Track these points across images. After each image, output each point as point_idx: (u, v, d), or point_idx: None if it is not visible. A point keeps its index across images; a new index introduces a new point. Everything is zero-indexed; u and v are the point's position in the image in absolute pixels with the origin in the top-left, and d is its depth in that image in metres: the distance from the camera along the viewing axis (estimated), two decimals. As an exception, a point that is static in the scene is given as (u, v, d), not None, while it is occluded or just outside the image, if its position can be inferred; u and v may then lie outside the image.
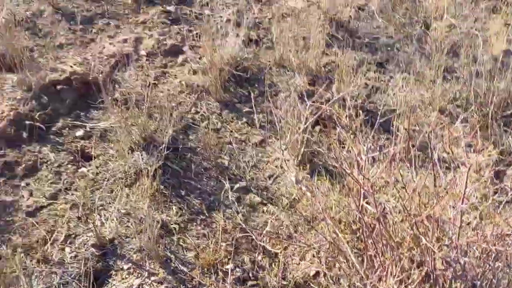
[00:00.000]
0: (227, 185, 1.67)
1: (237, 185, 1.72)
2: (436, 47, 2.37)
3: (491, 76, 2.22)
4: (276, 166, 1.80)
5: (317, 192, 1.51)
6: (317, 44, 2.33)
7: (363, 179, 1.20)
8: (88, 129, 1.88)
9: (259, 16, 2.63)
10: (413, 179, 1.30)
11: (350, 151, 1.33)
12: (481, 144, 1.35)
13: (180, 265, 1.48)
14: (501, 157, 1.89)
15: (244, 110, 2.06)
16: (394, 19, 2.66)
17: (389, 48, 2.49)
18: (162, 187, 1.66)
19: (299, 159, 1.75)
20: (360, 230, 1.26)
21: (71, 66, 2.08)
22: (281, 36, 2.39)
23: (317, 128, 1.95)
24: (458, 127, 2.00)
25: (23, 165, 1.69)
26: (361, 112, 1.46)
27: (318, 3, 2.68)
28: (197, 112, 2.03)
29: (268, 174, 1.81)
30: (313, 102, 1.79)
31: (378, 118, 1.60)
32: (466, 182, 1.05)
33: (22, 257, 1.42)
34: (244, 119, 2.03)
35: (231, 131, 1.97)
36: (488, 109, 2.05)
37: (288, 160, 1.74)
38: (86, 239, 1.52)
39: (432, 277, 1.12)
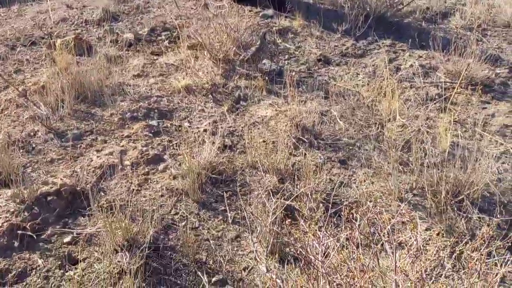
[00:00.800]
0: (204, 279, 1.78)
1: (214, 278, 1.84)
2: (391, 144, 2.66)
3: (441, 166, 2.47)
4: (250, 259, 1.94)
5: (287, 280, 1.64)
6: (285, 147, 2.60)
7: (321, 263, 1.35)
8: (75, 234, 2.02)
9: (233, 125, 2.93)
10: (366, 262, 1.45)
11: (311, 240, 1.50)
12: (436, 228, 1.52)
13: None
14: (456, 240, 2.06)
15: (220, 209, 2.25)
16: (353, 122, 2.98)
17: (350, 147, 2.77)
18: (143, 284, 1.77)
19: (269, 250, 1.89)
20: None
21: (61, 179, 2.28)
22: (253, 142, 2.66)
23: (287, 221, 2.12)
24: (416, 215, 2.22)
25: (13, 272, 1.80)
26: (325, 204, 1.66)
27: (285, 111, 3.02)
28: (176, 213, 2.21)
29: (243, 266, 1.94)
30: (280, 198, 1.99)
31: (341, 209, 1.79)
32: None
33: None
34: (220, 217, 2.20)
35: (208, 229, 2.13)
36: (441, 196, 2.26)
37: (259, 252, 1.88)
38: None
39: None
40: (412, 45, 3.93)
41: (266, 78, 3.40)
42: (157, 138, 2.73)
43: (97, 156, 2.52)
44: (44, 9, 4.50)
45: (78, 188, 2.22)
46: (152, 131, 2.79)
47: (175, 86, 3.24)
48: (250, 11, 4.55)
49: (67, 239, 2.00)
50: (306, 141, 2.77)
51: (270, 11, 4.47)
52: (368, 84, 3.41)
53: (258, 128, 2.90)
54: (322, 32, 4.20)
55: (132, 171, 2.45)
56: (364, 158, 2.63)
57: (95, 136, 2.69)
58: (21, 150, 2.50)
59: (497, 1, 4.96)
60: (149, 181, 2.41)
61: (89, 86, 3.03)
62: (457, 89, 3.20)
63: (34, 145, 2.57)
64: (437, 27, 4.45)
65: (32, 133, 2.66)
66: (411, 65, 3.65)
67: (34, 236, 1.97)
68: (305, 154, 2.60)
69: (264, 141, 2.74)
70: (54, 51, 3.40)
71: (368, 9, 4.36)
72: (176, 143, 2.68)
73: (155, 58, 3.67)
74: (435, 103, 3.16)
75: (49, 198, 2.17)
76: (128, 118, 2.86)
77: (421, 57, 3.82)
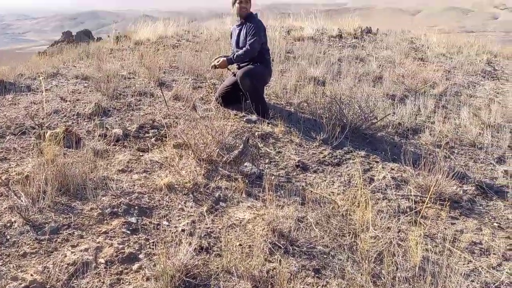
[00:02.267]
0: None
1: None
2: (365, 255, 2.73)
3: (413, 281, 2.53)
4: None
5: None
6: (261, 252, 2.64)
7: None
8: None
9: (211, 226, 2.97)
10: None
11: None
12: None
13: None
14: None
15: (191, 316, 2.21)
16: (328, 230, 3.06)
17: (325, 256, 2.81)
18: None
19: None
20: None
21: (31, 275, 2.24)
22: (229, 245, 2.70)
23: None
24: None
25: None
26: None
27: (263, 215, 3.09)
28: (146, 318, 2.16)
29: None
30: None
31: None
32: None
33: None
34: (191, 325, 2.16)
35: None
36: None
37: None
38: None
39: None
40: (385, 157, 4.18)
41: (247, 180, 3.53)
42: (134, 236, 2.74)
43: (72, 252, 2.51)
44: (38, 99, 4.70)
45: (47, 286, 2.18)
46: (130, 228, 2.81)
47: (158, 183, 3.32)
48: (235, 115, 4.83)
49: None
50: (282, 247, 2.82)
51: (254, 117, 4.75)
52: (343, 192, 3.56)
53: (236, 231, 2.95)
54: (301, 139, 4.46)
55: (105, 270, 2.42)
56: (338, 268, 2.67)
57: (72, 231, 2.69)
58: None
59: (463, 121, 5.39)
60: (121, 281, 2.37)
61: (72, 179, 3.09)
62: (427, 203, 3.36)
63: (8, 237, 2.55)
64: (408, 142, 4.77)
65: (8, 224, 2.65)
66: (384, 177, 3.84)
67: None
68: (280, 260, 2.63)
69: (240, 245, 2.78)
70: (42, 141, 3.50)
71: (344, 121, 4.68)
72: (153, 242, 2.69)
73: (141, 154, 3.80)
74: (406, 216, 3.29)
75: (16, 295, 2.12)
76: (108, 214, 2.89)
77: (393, 169, 4.04)
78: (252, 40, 4.71)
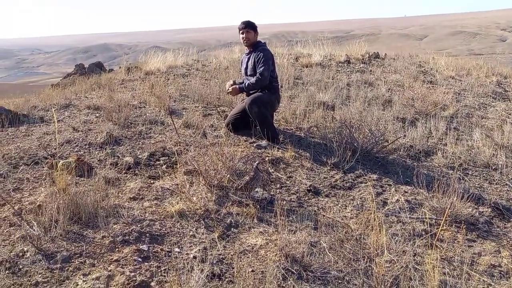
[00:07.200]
0: None
1: None
2: (380, 280, 2.66)
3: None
4: None
5: None
6: (274, 278, 2.59)
7: None
8: None
9: (223, 253, 2.94)
10: None
11: None
12: None
13: None
14: None
15: None
16: (342, 255, 3.01)
17: (339, 281, 2.75)
18: None
19: None
20: None
21: (43, 304, 2.22)
22: (242, 271, 2.65)
23: None
24: None
25: None
26: None
27: (275, 240, 3.06)
28: None
29: None
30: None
31: None
32: None
33: None
34: None
35: None
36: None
37: None
38: None
39: None
40: (398, 180, 4.13)
41: (258, 206, 3.51)
42: (146, 263, 2.72)
43: (83, 281, 2.49)
44: (51, 130, 4.78)
45: (59, 315, 2.16)
46: (142, 255, 2.79)
47: (169, 210, 3.31)
48: (245, 141, 4.84)
49: None
50: (295, 272, 2.77)
51: (264, 142, 4.76)
52: (356, 216, 3.51)
53: (248, 257, 2.91)
54: (312, 163, 4.44)
55: (117, 298, 2.40)
56: (353, 293, 2.61)
57: (84, 259, 2.68)
58: (7, 271, 2.47)
59: (476, 142, 5.34)
60: (133, 309, 2.34)
61: (84, 207, 3.10)
62: (443, 226, 3.29)
63: (21, 266, 2.55)
64: (421, 165, 4.72)
65: (21, 254, 2.65)
66: (397, 200, 3.79)
67: None
68: (293, 286, 2.58)
69: (253, 271, 2.73)
70: (55, 171, 3.53)
71: (355, 145, 4.67)
72: (165, 269, 2.66)
73: (152, 182, 3.81)
74: (421, 239, 3.22)
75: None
76: (119, 242, 2.88)
77: (406, 192, 3.99)
78: (261, 69, 4.79)
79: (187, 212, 3.33)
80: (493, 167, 4.79)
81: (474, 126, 6.11)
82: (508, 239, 3.39)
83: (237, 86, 5.02)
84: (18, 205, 3.17)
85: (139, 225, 3.08)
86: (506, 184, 4.40)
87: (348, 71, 9.17)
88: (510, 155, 5.07)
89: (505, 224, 3.64)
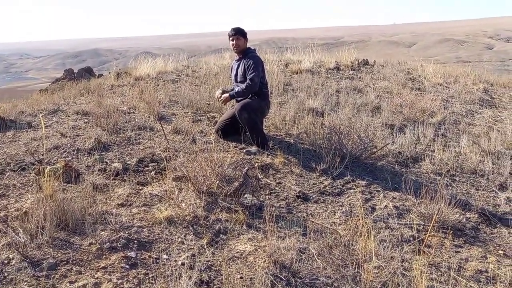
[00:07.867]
0: None
1: None
2: (368, 286, 2.67)
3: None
4: None
5: None
6: (262, 284, 2.58)
7: None
8: None
9: (211, 259, 2.93)
10: None
11: None
12: None
13: None
14: None
15: None
16: (331, 261, 3.01)
17: (328, 287, 2.76)
18: None
19: None
20: None
21: (28, 312, 2.19)
22: (230, 278, 2.65)
23: None
24: None
25: None
26: None
27: (264, 246, 3.05)
28: None
29: None
30: None
31: None
32: None
33: None
34: None
35: None
36: None
37: None
38: None
39: None
40: (386, 186, 4.16)
41: (247, 212, 3.50)
42: (133, 271, 2.69)
43: (70, 288, 2.46)
44: (38, 136, 4.73)
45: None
46: (130, 262, 2.76)
47: (157, 216, 3.29)
48: (235, 147, 4.84)
49: None
50: (284, 279, 2.76)
51: (253, 148, 4.76)
52: (345, 222, 3.52)
53: (236, 263, 2.90)
54: (301, 170, 4.45)
55: (103, 306, 2.37)
56: (342, 300, 2.61)
57: (70, 266, 2.65)
58: (-10, 282, 2.44)
59: (463, 149, 5.40)
60: (120, 317, 2.32)
61: (71, 214, 3.07)
62: (430, 232, 3.32)
63: (6, 274, 2.51)
64: (409, 171, 4.75)
65: (6, 261, 2.61)
66: (386, 206, 3.81)
67: None
68: (282, 293, 2.58)
69: (241, 278, 2.72)
70: (42, 177, 3.49)
71: (344, 151, 4.69)
72: (153, 276, 2.64)
73: (140, 188, 3.78)
74: (409, 245, 3.24)
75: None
76: (107, 248, 2.85)
77: (395, 198, 4.01)
78: (251, 75, 4.81)
79: (175, 219, 3.31)
80: (480, 173, 4.84)
81: (462, 133, 6.18)
82: (495, 245, 3.43)
83: (228, 94, 5.04)
84: (4, 211, 3.13)
85: (127, 232, 3.05)
86: (493, 190, 4.46)
87: (338, 78, 9.24)
88: (497, 162, 5.14)
89: (491, 230, 3.68)
